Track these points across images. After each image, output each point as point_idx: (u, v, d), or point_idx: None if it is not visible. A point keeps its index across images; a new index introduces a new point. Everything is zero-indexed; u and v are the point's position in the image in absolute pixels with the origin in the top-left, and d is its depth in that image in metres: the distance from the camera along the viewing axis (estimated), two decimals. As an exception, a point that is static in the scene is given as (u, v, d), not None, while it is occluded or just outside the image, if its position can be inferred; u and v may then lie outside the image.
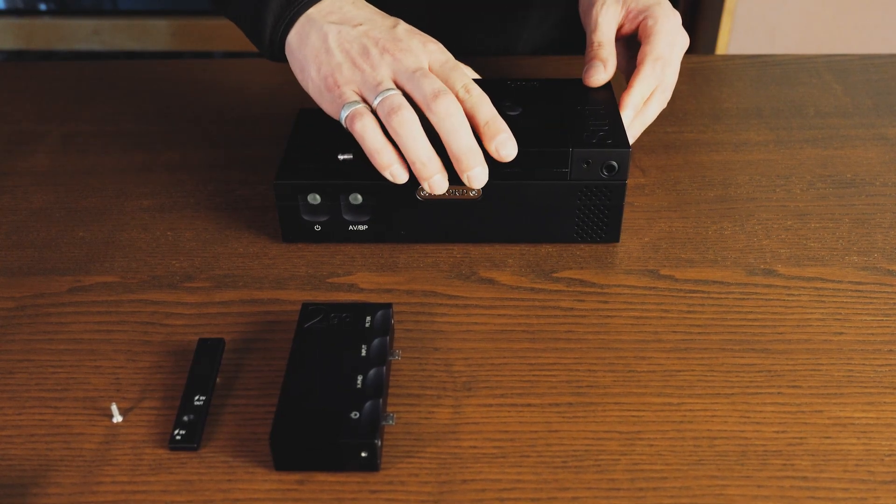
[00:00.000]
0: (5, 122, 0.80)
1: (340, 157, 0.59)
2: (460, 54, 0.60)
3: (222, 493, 0.45)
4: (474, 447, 0.47)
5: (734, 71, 0.88)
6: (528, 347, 0.53)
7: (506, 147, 0.55)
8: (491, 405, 0.49)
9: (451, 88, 0.56)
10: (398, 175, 0.56)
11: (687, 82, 0.85)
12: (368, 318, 0.52)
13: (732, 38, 1.89)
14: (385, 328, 0.51)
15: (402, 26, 0.59)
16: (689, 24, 2.02)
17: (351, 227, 0.61)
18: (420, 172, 0.55)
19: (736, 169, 0.71)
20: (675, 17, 0.65)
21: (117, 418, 0.49)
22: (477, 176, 0.55)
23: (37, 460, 0.47)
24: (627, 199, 0.64)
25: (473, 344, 0.54)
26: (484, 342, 0.54)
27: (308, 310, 0.52)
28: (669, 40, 0.64)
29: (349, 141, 0.59)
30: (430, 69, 0.57)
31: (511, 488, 0.45)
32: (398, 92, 0.55)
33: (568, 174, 0.59)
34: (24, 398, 0.50)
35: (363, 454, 0.45)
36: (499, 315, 0.56)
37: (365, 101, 0.57)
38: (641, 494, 0.44)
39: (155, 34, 1.86)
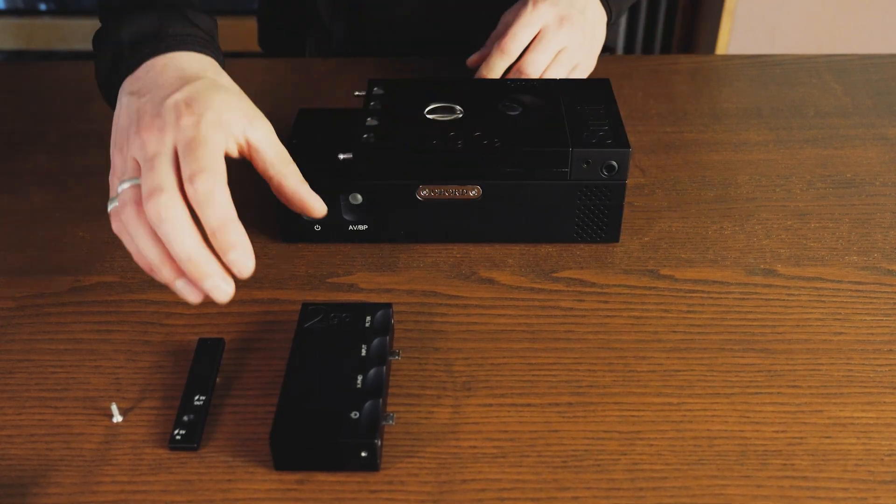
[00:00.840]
0: (5, 122, 0.80)
1: (340, 156, 0.59)
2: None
3: (222, 493, 0.45)
4: (474, 447, 0.47)
5: (734, 71, 0.88)
6: (527, 347, 0.53)
7: (239, 263, 0.46)
8: (491, 405, 0.49)
9: (182, 173, 0.47)
10: (166, 280, 0.48)
11: (687, 82, 0.86)
12: (368, 318, 0.52)
13: (732, 38, 1.89)
14: (385, 328, 0.51)
15: (177, 95, 0.50)
16: (689, 24, 2.02)
17: (351, 227, 0.61)
18: (188, 273, 0.47)
19: (736, 169, 0.71)
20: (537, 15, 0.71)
21: (117, 418, 0.49)
22: (214, 288, 0.46)
23: (37, 460, 0.47)
24: (627, 199, 0.64)
25: (473, 344, 0.54)
26: (484, 342, 0.54)
27: (308, 310, 0.52)
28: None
29: (349, 141, 0.59)
30: (175, 149, 0.49)
31: (511, 488, 0.45)
32: (137, 183, 0.48)
33: (568, 174, 0.59)
34: (24, 398, 0.50)
35: (363, 454, 0.45)
36: (499, 315, 0.56)
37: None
38: (641, 494, 0.44)
39: (155, 34, 1.85)
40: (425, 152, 0.58)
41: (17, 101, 0.83)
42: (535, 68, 0.72)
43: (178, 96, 0.50)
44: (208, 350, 0.52)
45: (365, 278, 0.59)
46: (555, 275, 0.59)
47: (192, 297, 0.48)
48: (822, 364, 0.52)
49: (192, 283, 0.47)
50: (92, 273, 0.60)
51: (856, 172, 0.70)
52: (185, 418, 0.48)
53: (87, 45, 0.66)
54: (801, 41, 1.89)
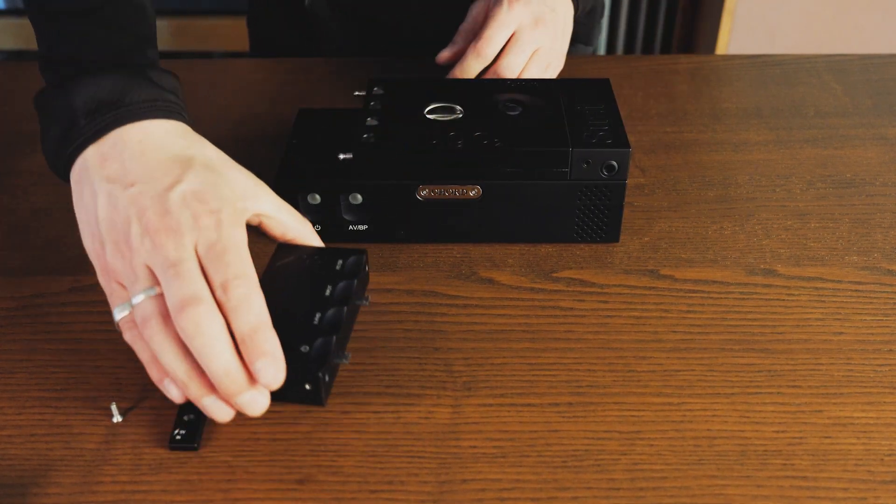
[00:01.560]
0: (5, 122, 0.80)
1: (340, 156, 0.59)
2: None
3: (222, 493, 0.45)
4: (474, 447, 0.47)
5: (734, 71, 0.88)
6: (528, 347, 0.53)
7: (266, 373, 0.43)
8: (491, 405, 0.49)
9: (211, 281, 0.44)
10: (173, 395, 0.46)
11: (687, 82, 0.86)
12: (340, 262, 0.51)
13: (732, 38, 1.89)
14: (354, 272, 0.50)
15: (180, 188, 0.46)
16: (689, 24, 2.02)
17: (351, 227, 0.61)
18: (221, 389, 0.43)
19: (736, 169, 0.71)
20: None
21: (117, 418, 0.49)
22: (249, 403, 0.44)
23: (37, 460, 0.47)
24: (627, 199, 0.64)
25: (473, 344, 0.54)
26: (484, 342, 0.54)
27: (281, 249, 0.52)
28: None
29: (349, 141, 0.59)
30: (197, 254, 0.45)
31: (511, 488, 0.45)
32: (156, 294, 0.45)
33: (568, 174, 0.59)
34: (24, 398, 0.50)
35: (307, 386, 0.45)
36: (499, 315, 0.56)
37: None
38: (641, 494, 0.44)
39: (155, 34, 1.85)
40: (425, 152, 0.58)
41: (17, 101, 0.83)
42: (511, 71, 0.72)
43: (183, 189, 0.46)
44: None
45: (365, 278, 0.59)
46: (555, 275, 0.59)
47: (223, 415, 0.45)
48: (822, 364, 0.52)
49: (224, 399, 0.44)
50: (92, 273, 0.60)
51: (856, 172, 0.70)
52: (186, 418, 0.48)
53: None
54: (801, 41, 1.89)
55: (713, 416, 0.49)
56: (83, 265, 0.61)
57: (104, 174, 0.48)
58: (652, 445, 0.47)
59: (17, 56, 2.07)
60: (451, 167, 0.59)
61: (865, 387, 0.50)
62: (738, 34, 1.89)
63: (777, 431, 0.48)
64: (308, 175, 0.59)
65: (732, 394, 0.50)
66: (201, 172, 0.48)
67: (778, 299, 0.57)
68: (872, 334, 0.54)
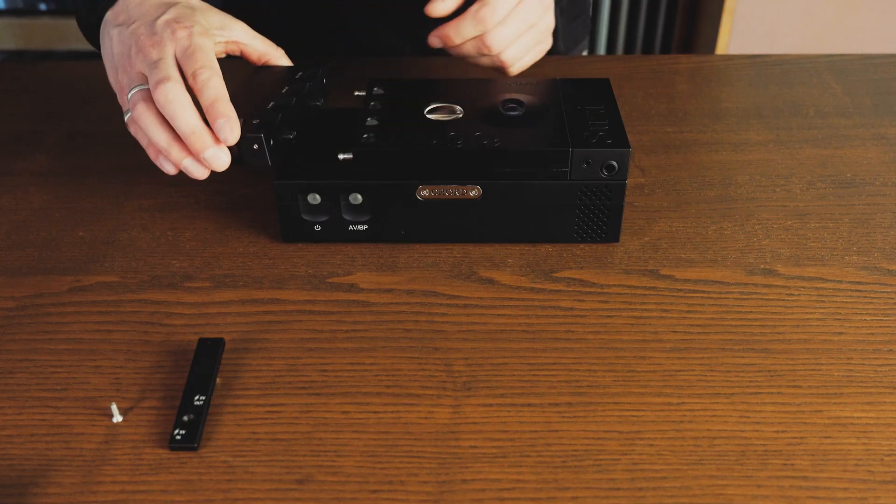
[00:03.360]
0: (5, 122, 0.80)
1: (340, 156, 0.59)
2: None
3: (222, 493, 0.45)
4: (474, 447, 0.47)
5: (734, 71, 0.88)
6: (527, 347, 0.53)
7: (223, 130, 0.55)
8: (491, 405, 0.49)
9: (186, 74, 0.56)
10: (167, 169, 0.57)
11: (687, 82, 0.86)
12: (300, 73, 0.64)
13: (732, 38, 1.89)
14: (310, 77, 0.63)
15: (166, 16, 0.59)
16: (689, 24, 2.02)
17: (351, 227, 0.61)
18: (190, 146, 0.55)
19: (736, 169, 0.71)
20: None
21: (117, 418, 0.49)
22: (212, 157, 0.55)
23: (37, 460, 0.47)
24: (627, 199, 0.64)
25: (473, 344, 0.54)
26: (484, 342, 0.54)
27: (258, 70, 0.66)
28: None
29: (349, 141, 0.59)
30: (176, 57, 0.57)
31: (511, 488, 0.45)
32: (144, 87, 0.57)
33: (568, 174, 0.59)
34: (24, 398, 0.50)
35: (254, 146, 0.55)
36: (499, 315, 0.56)
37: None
38: (641, 494, 0.44)
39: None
40: (425, 152, 0.58)
41: (17, 101, 0.83)
42: (499, 43, 0.66)
43: (166, 16, 0.59)
44: (208, 350, 0.52)
45: (365, 278, 0.59)
46: (555, 275, 0.59)
47: (199, 173, 0.56)
48: (822, 364, 0.52)
49: (196, 158, 0.55)
50: (92, 273, 0.60)
51: (856, 172, 0.70)
52: (185, 418, 0.48)
53: (87, 45, 0.67)
54: (801, 41, 1.89)
55: (713, 416, 0.49)
56: (83, 265, 0.61)
57: (115, 22, 0.60)
58: (652, 445, 0.47)
59: (17, 56, 2.07)
60: (451, 167, 0.59)
61: (865, 387, 0.50)
62: (738, 34, 1.89)
63: (777, 431, 0.48)
64: (308, 175, 0.59)
65: (732, 394, 0.50)
66: (182, 9, 0.60)
67: (778, 299, 0.57)
68: (872, 334, 0.54)
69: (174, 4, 0.60)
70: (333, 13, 0.89)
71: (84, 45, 0.77)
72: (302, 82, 0.62)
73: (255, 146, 0.56)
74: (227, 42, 0.63)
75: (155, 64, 0.56)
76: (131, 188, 0.69)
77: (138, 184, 0.70)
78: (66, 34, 1.99)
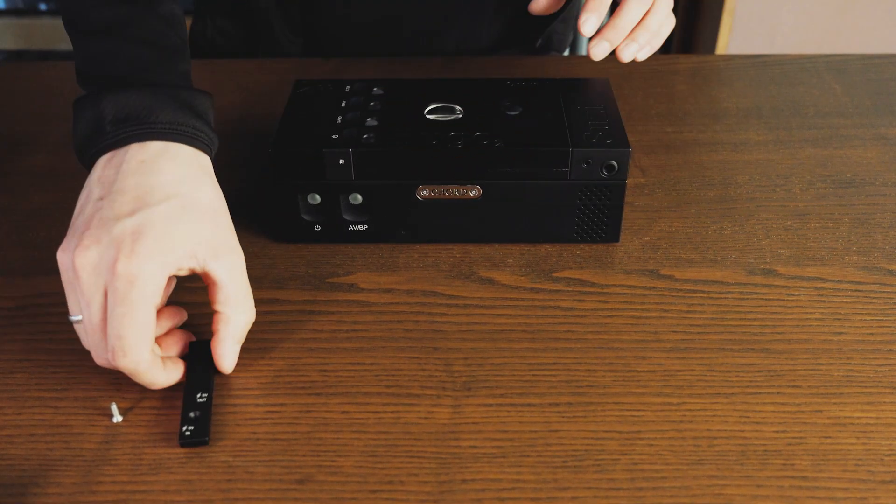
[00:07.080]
0: (5, 122, 0.80)
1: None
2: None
3: (222, 493, 0.45)
4: (474, 447, 0.47)
5: (734, 71, 0.88)
6: (527, 347, 0.53)
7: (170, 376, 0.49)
8: (491, 405, 0.49)
9: (108, 340, 0.47)
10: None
11: (687, 82, 0.86)
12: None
13: (732, 38, 1.89)
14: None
15: (130, 221, 0.47)
16: (689, 24, 2.02)
17: (351, 227, 0.61)
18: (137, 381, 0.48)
19: (736, 169, 0.71)
20: None
21: (117, 418, 0.49)
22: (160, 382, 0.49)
23: (37, 460, 0.47)
24: (627, 199, 0.64)
25: (473, 344, 0.54)
26: (484, 342, 0.54)
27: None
28: None
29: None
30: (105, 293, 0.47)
31: (511, 488, 0.45)
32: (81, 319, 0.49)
33: (568, 174, 0.59)
34: (24, 398, 0.50)
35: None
36: (498, 315, 0.56)
37: None
38: (641, 494, 0.44)
39: (155, 34, 1.85)
40: (425, 152, 0.58)
41: (17, 101, 0.83)
42: (621, 32, 0.63)
43: (133, 222, 0.47)
44: (199, 352, 0.52)
45: (365, 278, 0.59)
46: (555, 275, 0.59)
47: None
48: (822, 364, 0.52)
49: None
50: (92, 273, 0.60)
51: (856, 172, 0.70)
52: (192, 415, 0.48)
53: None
54: (801, 41, 1.90)
55: (713, 416, 0.49)
56: (83, 265, 0.61)
57: (99, 174, 0.50)
58: (652, 445, 0.47)
59: (17, 56, 2.07)
60: (450, 167, 0.59)
61: (865, 387, 0.50)
62: (738, 34, 1.89)
63: (777, 431, 0.48)
64: (308, 175, 0.59)
65: (732, 394, 0.50)
66: (169, 211, 0.48)
67: (778, 299, 0.57)
68: (872, 334, 0.54)
69: (166, 198, 0.48)
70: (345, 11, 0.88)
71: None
72: (356, 95, 0.63)
73: (342, 161, 0.57)
74: (204, 271, 0.49)
75: (88, 308, 0.47)
76: (131, 188, 0.69)
77: (138, 184, 0.70)
78: (66, 34, 2.00)
